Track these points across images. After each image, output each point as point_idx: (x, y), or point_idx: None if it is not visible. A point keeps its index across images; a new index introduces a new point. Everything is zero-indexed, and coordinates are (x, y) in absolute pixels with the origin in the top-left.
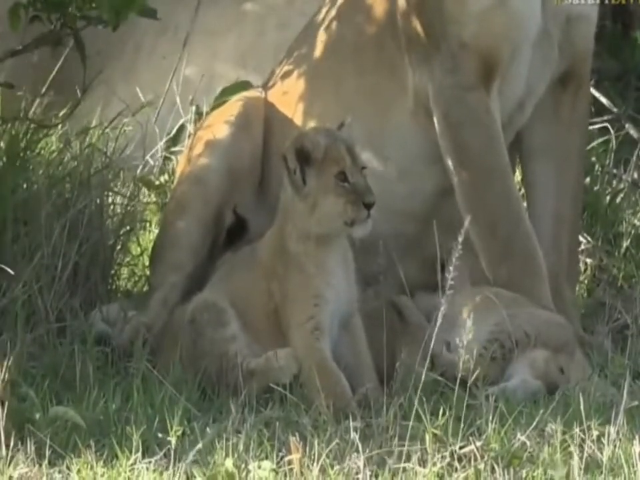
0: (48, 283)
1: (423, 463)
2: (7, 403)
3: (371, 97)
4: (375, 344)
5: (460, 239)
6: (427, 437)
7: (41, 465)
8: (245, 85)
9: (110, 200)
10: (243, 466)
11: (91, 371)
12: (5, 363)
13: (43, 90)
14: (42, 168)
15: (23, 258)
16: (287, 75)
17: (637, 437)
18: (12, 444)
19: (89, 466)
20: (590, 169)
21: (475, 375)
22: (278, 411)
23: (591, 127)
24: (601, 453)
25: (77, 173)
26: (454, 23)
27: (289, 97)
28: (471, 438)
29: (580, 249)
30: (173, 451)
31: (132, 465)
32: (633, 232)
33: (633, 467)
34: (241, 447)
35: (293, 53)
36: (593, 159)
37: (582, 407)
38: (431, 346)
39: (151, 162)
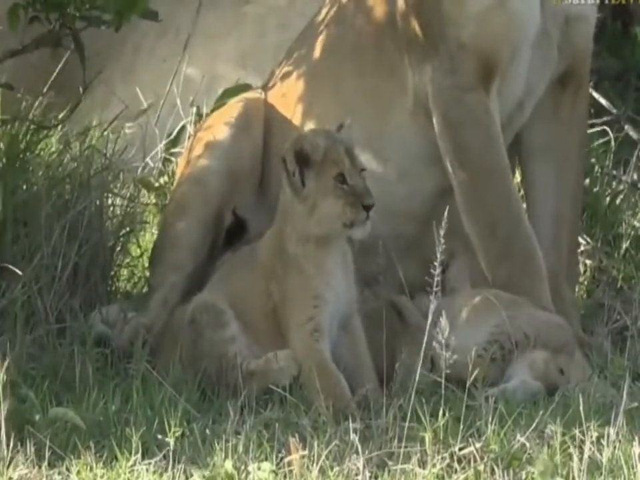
0: (48, 284)
1: (422, 464)
2: (6, 404)
3: (370, 97)
4: (375, 344)
5: (442, 232)
6: (427, 438)
7: (40, 466)
8: (246, 88)
9: (110, 201)
10: (243, 467)
11: (91, 372)
12: (5, 364)
13: (44, 91)
14: (42, 169)
15: (22, 259)
16: (286, 75)
17: (636, 438)
18: (12, 445)
19: (89, 467)
20: (590, 170)
21: (474, 376)
22: (277, 412)
23: (590, 128)
24: (601, 454)
25: (76, 174)
26: (453, 23)
27: (288, 97)
28: (470, 439)
29: (579, 250)
30: (173, 452)
31: (131, 466)
32: (632, 233)
33: (633, 468)
34: (240, 448)
35: (292, 53)
36: (593, 160)
37: (581, 408)
38: (422, 346)
39: (151, 163)
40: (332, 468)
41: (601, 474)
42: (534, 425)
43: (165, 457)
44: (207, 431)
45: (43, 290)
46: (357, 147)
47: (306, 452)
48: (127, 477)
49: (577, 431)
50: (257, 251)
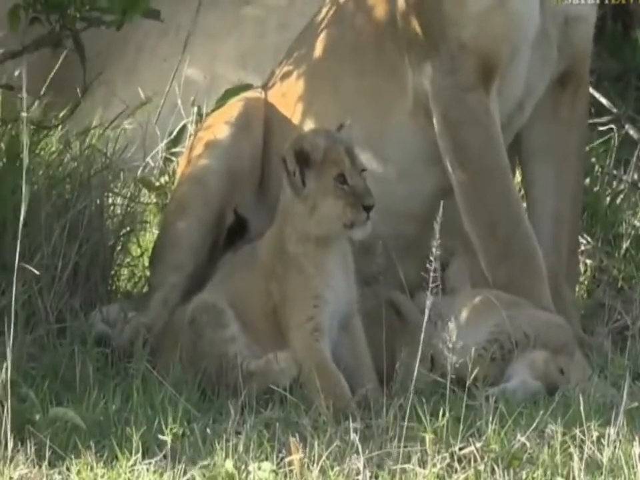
0: (48, 284)
1: (422, 464)
2: (7, 404)
3: (370, 97)
4: (375, 344)
5: (437, 227)
6: (427, 438)
7: (40, 466)
8: (247, 88)
9: (110, 201)
10: (243, 467)
11: (91, 371)
12: (5, 364)
13: (43, 91)
14: (42, 169)
15: (22, 258)
16: (286, 75)
17: (637, 438)
18: (12, 445)
19: (89, 467)
20: (590, 169)
21: (474, 376)
22: (278, 411)
23: (591, 129)
24: (601, 454)
25: (77, 173)
26: (453, 24)
27: (288, 97)
28: (470, 439)
29: (580, 250)
30: (173, 452)
31: (132, 466)
32: (632, 233)
33: (633, 468)
34: (240, 448)
35: (292, 53)
36: (593, 159)
37: (582, 408)
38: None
39: (152, 163)
40: (332, 468)
41: (601, 474)
42: (534, 424)
43: (165, 456)
44: (207, 431)
45: (43, 289)
46: (357, 147)
47: (306, 452)
48: (127, 476)
49: (577, 431)
50: (257, 251)
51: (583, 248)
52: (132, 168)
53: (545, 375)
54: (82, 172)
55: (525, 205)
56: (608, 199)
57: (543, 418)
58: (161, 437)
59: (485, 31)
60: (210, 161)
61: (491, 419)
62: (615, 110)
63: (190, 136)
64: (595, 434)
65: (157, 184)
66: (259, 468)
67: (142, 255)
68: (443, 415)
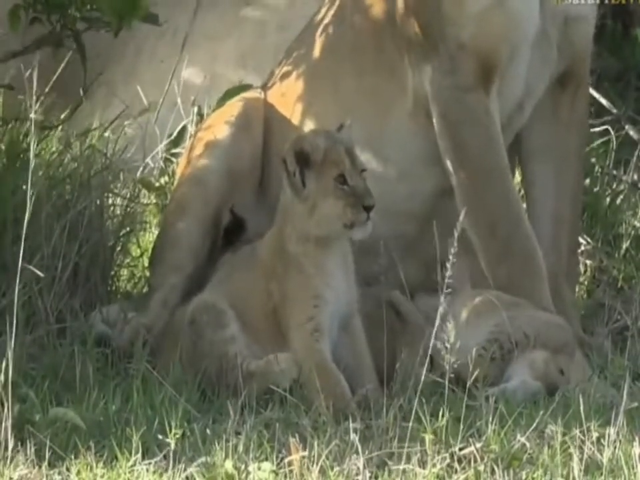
0: (48, 284)
1: (422, 464)
2: (7, 404)
3: (370, 97)
4: (375, 344)
5: (456, 234)
6: (427, 438)
7: (40, 467)
8: (247, 88)
9: (110, 201)
10: (243, 467)
11: (91, 372)
12: (5, 364)
13: (45, 92)
14: (42, 169)
15: (23, 259)
16: (286, 75)
17: (637, 438)
18: (12, 445)
19: (89, 467)
20: (590, 170)
21: (474, 376)
22: (278, 412)
23: (591, 129)
24: (601, 455)
25: (77, 174)
26: (452, 24)
27: (288, 97)
28: (470, 439)
29: (580, 250)
30: (173, 452)
31: (132, 466)
32: (632, 233)
33: (633, 468)
34: (240, 448)
35: (292, 53)
36: (593, 160)
37: (582, 408)
38: (421, 346)
39: (151, 164)
40: (332, 468)
41: (601, 474)
42: (534, 425)
43: (165, 457)
44: (207, 431)
45: (43, 290)
46: (357, 147)
47: (306, 452)
48: (127, 477)
49: (577, 431)
50: (257, 251)
51: (582, 248)
52: (132, 168)
53: (544, 375)
54: (82, 172)
55: (524, 205)
56: (608, 199)
57: (543, 418)
58: (161, 437)
59: (484, 30)
60: (210, 161)
61: (490, 419)
62: (614, 110)
63: (190, 136)
64: (595, 434)
65: (157, 184)
66: (259, 468)
67: (142, 255)
68: (443, 415)
